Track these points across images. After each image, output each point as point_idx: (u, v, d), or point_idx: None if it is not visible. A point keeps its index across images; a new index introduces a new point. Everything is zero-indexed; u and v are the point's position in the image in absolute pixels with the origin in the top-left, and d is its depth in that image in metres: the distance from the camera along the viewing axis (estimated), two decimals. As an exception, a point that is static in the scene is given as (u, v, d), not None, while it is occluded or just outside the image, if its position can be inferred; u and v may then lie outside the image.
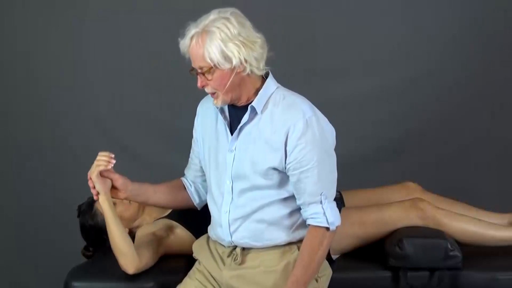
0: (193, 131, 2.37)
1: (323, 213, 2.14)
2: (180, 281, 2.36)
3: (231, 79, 2.10)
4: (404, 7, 3.56)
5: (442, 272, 2.49)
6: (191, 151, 2.41)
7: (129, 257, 2.39)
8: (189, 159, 2.42)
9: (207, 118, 2.30)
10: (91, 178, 2.29)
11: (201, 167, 2.36)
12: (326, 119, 2.23)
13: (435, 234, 2.56)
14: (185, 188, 2.42)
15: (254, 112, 2.16)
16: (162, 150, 3.67)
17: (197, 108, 2.37)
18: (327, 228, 2.15)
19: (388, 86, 3.58)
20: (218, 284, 2.28)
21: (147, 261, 2.45)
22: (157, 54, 3.58)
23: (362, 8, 3.56)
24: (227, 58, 2.06)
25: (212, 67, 2.08)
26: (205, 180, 2.36)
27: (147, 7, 3.60)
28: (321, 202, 2.14)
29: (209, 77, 2.10)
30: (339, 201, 2.85)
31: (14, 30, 3.62)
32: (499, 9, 3.52)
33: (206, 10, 3.55)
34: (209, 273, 2.30)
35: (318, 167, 2.12)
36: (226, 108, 2.23)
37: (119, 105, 3.68)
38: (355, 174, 3.54)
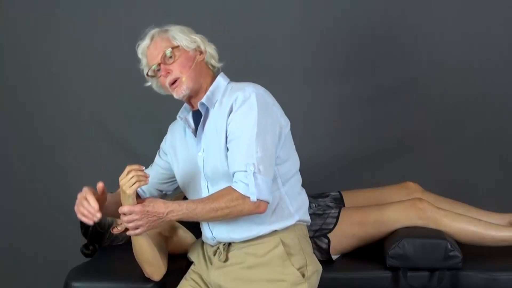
0: (162, 146, 2.44)
1: (246, 183, 2.09)
2: (178, 281, 2.37)
3: (195, 62, 2.25)
4: (405, 7, 3.56)
5: (442, 272, 2.49)
6: (154, 165, 2.43)
7: (156, 266, 2.40)
8: (152, 175, 2.39)
9: (176, 136, 2.39)
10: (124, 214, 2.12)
11: (165, 180, 2.42)
12: (279, 107, 2.26)
13: (435, 234, 2.56)
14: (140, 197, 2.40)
15: (206, 108, 2.25)
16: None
17: (168, 130, 2.47)
18: (248, 197, 2.09)
19: (388, 86, 3.57)
20: (207, 285, 2.31)
21: (167, 264, 2.46)
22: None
23: (362, 7, 3.56)
24: (190, 40, 2.26)
25: (178, 46, 2.24)
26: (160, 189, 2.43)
27: (147, 6, 3.59)
28: (246, 171, 2.09)
29: (174, 59, 2.23)
30: (339, 201, 2.86)
31: (14, 29, 3.62)
32: (499, 9, 3.52)
33: (204, 10, 3.59)
34: (201, 274, 2.33)
35: (250, 138, 2.12)
36: (190, 118, 2.33)
37: (119, 105, 3.68)
38: (355, 174, 3.55)
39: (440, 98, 3.58)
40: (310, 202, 2.76)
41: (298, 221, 2.27)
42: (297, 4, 3.56)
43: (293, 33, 3.56)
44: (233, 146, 2.15)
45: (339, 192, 2.90)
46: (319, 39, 3.58)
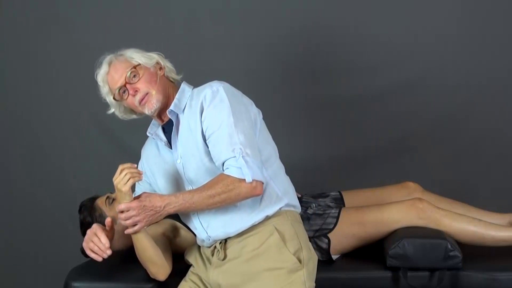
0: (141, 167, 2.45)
1: (238, 166, 2.11)
2: (179, 281, 2.38)
3: (158, 76, 2.29)
4: (406, 7, 3.55)
5: (442, 272, 2.49)
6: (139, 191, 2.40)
7: (161, 266, 2.39)
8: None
9: (150, 157, 2.41)
10: (121, 210, 2.14)
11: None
12: (247, 98, 2.30)
13: (435, 234, 2.56)
14: None
15: (175, 115, 2.27)
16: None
17: (141, 154, 2.48)
18: (243, 180, 2.11)
19: (389, 86, 3.57)
20: (207, 286, 2.31)
21: (172, 264, 2.46)
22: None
23: (363, 8, 3.56)
24: (148, 57, 2.31)
25: (138, 65, 2.27)
26: None
27: (147, 6, 3.60)
28: (235, 156, 2.11)
29: (138, 77, 2.25)
30: (339, 201, 2.86)
31: (14, 29, 3.62)
32: (499, 10, 3.52)
33: (204, 10, 3.58)
34: (200, 275, 2.34)
35: (229, 126, 2.15)
36: (160, 132, 2.35)
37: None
38: (355, 174, 3.55)
39: (440, 98, 3.57)
40: (310, 202, 2.77)
41: (287, 204, 2.27)
42: (297, 4, 3.57)
43: (293, 32, 3.56)
44: (215, 139, 2.17)
45: (339, 192, 2.90)
46: (320, 39, 3.58)
